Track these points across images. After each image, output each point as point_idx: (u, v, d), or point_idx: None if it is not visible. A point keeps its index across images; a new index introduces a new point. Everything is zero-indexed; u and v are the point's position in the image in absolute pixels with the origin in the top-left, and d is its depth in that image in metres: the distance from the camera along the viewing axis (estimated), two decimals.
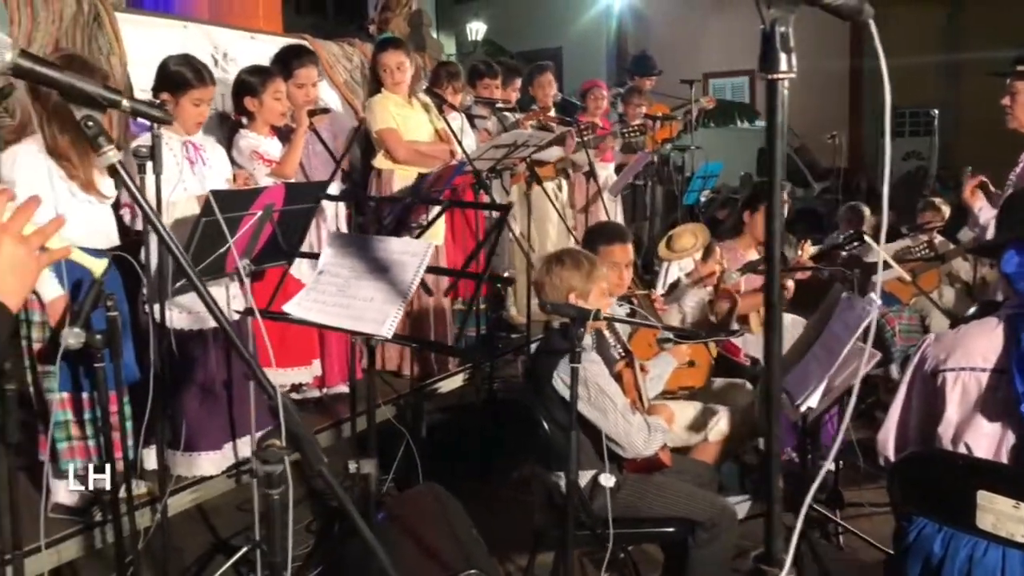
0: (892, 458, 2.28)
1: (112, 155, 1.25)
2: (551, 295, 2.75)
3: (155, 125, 2.56)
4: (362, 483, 1.84)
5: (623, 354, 2.82)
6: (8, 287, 1.11)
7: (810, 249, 4.26)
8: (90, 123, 1.24)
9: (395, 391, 4.23)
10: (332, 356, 4.10)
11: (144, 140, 2.76)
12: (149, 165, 2.66)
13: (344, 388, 4.10)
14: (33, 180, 2.70)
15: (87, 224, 2.87)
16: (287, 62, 3.96)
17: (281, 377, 3.80)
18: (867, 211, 5.73)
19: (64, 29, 4.27)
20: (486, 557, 2.70)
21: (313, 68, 4.00)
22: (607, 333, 2.82)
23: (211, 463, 3.28)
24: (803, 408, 2.79)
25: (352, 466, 1.55)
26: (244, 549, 3.17)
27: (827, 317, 2.89)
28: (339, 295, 1.87)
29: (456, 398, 4.76)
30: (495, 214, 3.79)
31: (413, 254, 1.83)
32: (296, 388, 4.05)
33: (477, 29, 15.53)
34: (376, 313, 1.80)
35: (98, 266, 1.31)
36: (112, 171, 1.23)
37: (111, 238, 3.03)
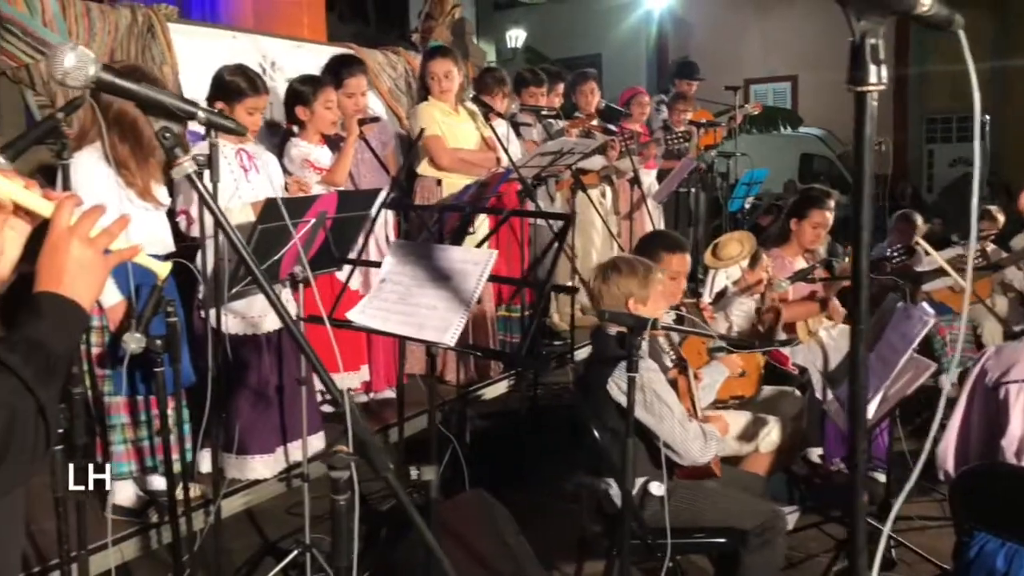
0: (952, 472, 2.25)
1: (188, 165, 1.28)
2: (609, 303, 2.74)
3: (212, 134, 2.60)
4: (423, 489, 1.85)
5: (676, 361, 2.80)
6: (79, 287, 1.14)
7: None
8: (167, 135, 1.27)
9: (440, 397, 4.25)
10: (379, 362, 4.13)
11: (200, 149, 2.82)
12: (206, 173, 2.72)
13: (391, 393, 4.13)
14: (94, 186, 2.76)
15: (144, 231, 2.92)
16: (337, 71, 4.01)
17: (343, 381, 3.85)
18: (920, 219, 5.63)
19: (119, 40, 4.38)
20: (535, 564, 2.70)
21: (362, 77, 4.04)
22: (662, 340, 2.82)
23: (263, 466, 3.32)
24: None
25: (414, 472, 1.56)
26: (295, 552, 3.20)
27: (881, 327, 2.85)
28: (401, 303, 1.89)
29: (499, 405, 4.77)
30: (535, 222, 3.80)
31: (475, 263, 1.85)
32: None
33: (517, 36, 15.58)
34: (439, 321, 1.81)
35: (163, 269, 1.33)
36: (189, 181, 1.26)
37: (167, 244, 3.09)
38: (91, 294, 1.16)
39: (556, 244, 2.06)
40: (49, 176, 3.21)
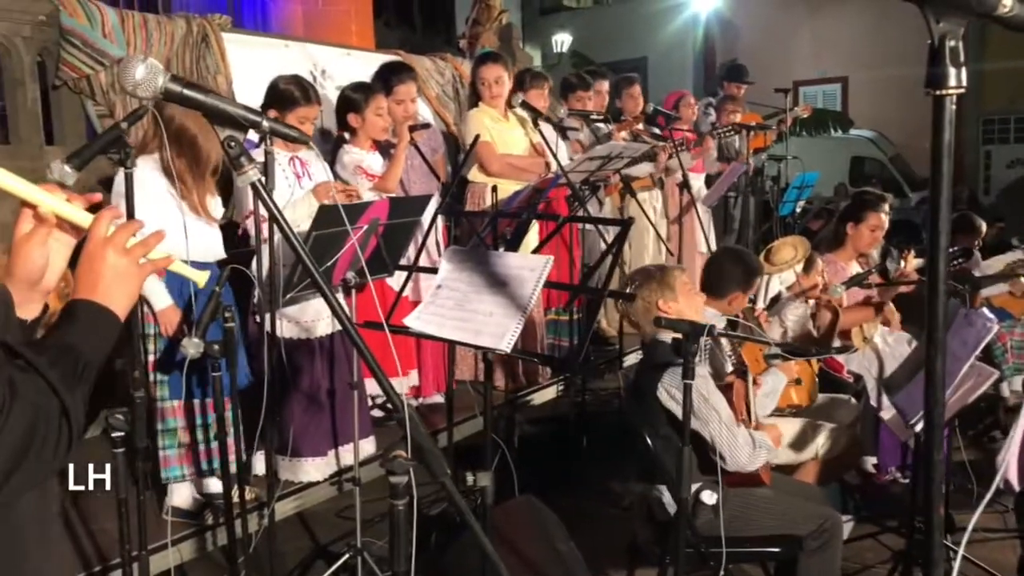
0: (1016, 483, 2.17)
1: (253, 174, 1.30)
2: (646, 317, 2.76)
3: (268, 141, 2.65)
4: (479, 495, 1.85)
5: (736, 366, 2.78)
6: (114, 295, 1.17)
7: (914, 260, 4.12)
8: (232, 144, 1.29)
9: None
10: (428, 367, 4.16)
11: (256, 156, 2.86)
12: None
13: (439, 398, 4.15)
14: (150, 194, 2.82)
15: (196, 239, 2.98)
16: (387, 78, 4.05)
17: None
18: (982, 223, 5.48)
19: (175, 50, 4.48)
20: (585, 571, 2.68)
21: (412, 84, 4.08)
22: (725, 344, 2.80)
23: (315, 469, 3.36)
24: (918, 428, 2.69)
25: (469, 478, 1.56)
26: (346, 556, 3.22)
27: None
28: (458, 309, 1.90)
29: (547, 410, 4.77)
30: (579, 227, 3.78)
31: (531, 269, 1.85)
32: None
33: (562, 41, 15.56)
34: (495, 327, 1.81)
35: (200, 278, 1.36)
36: (254, 189, 1.28)
37: (217, 253, 3.14)
38: (126, 302, 1.19)
39: (613, 250, 2.04)
40: (107, 185, 3.29)
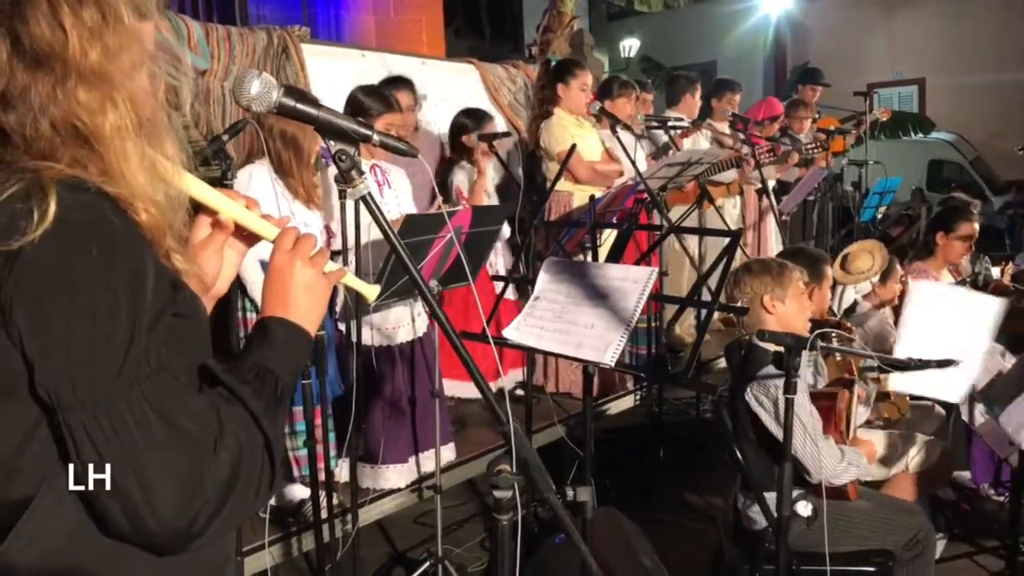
0: None
1: (363, 187, 1.30)
2: (748, 304, 2.68)
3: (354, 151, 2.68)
4: (579, 510, 1.83)
5: (843, 378, 2.71)
6: (303, 310, 1.13)
7: (1011, 270, 3.98)
8: (343, 157, 1.29)
9: (565, 411, 4.23)
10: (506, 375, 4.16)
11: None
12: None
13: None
14: (267, 199, 2.89)
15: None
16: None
17: (458, 389, 3.90)
18: None
19: (256, 61, 4.56)
20: None
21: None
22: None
23: (398, 475, 3.38)
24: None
25: (569, 493, 1.54)
26: (426, 564, 3.23)
27: None
28: (557, 321, 1.88)
29: (624, 419, 4.72)
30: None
31: (635, 281, 1.82)
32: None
33: (630, 46, 15.46)
34: (596, 340, 1.79)
35: (371, 292, 1.34)
36: (364, 202, 1.28)
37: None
38: (316, 318, 1.16)
39: (725, 260, 2.00)
40: None
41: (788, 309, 2.68)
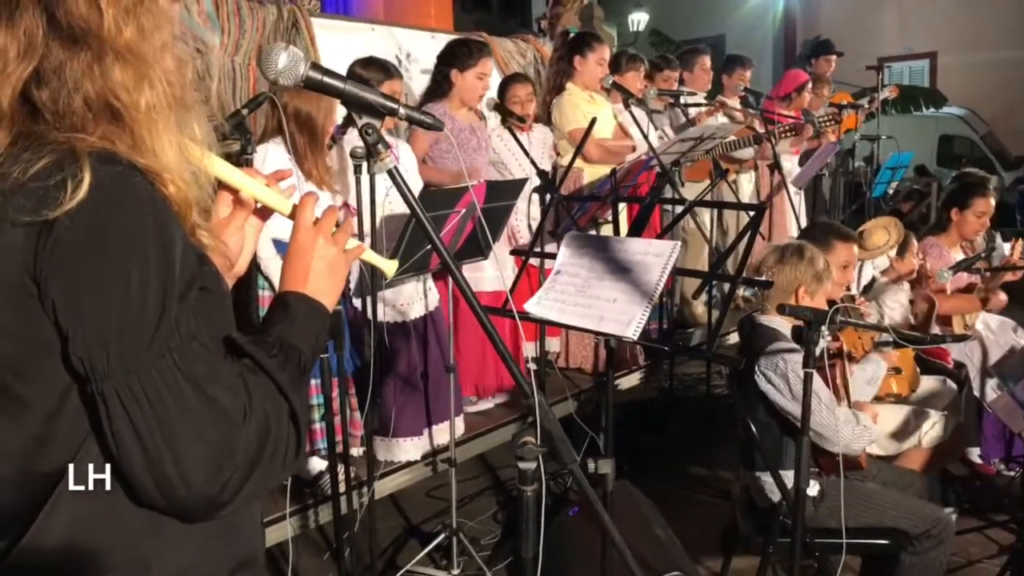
0: None
1: (389, 161, 1.30)
2: (778, 285, 2.66)
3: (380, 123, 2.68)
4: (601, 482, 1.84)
5: (838, 348, 2.71)
6: (323, 287, 1.14)
7: (1021, 247, 3.95)
8: (369, 131, 1.29)
9: (577, 386, 4.25)
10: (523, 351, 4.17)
11: (359, 142, 2.91)
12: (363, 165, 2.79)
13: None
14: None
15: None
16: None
17: None
18: None
19: (267, 35, 4.54)
20: (685, 558, 2.65)
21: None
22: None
23: (413, 447, 3.41)
24: None
25: (591, 465, 1.56)
26: (441, 536, 3.27)
27: None
28: (579, 295, 1.88)
29: (634, 394, 4.74)
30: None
31: (656, 254, 1.82)
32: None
33: (639, 20, 15.30)
34: (619, 314, 1.79)
35: (390, 268, 1.34)
36: (391, 176, 1.28)
37: None
38: (335, 295, 1.17)
39: (748, 235, 1.99)
40: None
41: (815, 303, 2.66)
